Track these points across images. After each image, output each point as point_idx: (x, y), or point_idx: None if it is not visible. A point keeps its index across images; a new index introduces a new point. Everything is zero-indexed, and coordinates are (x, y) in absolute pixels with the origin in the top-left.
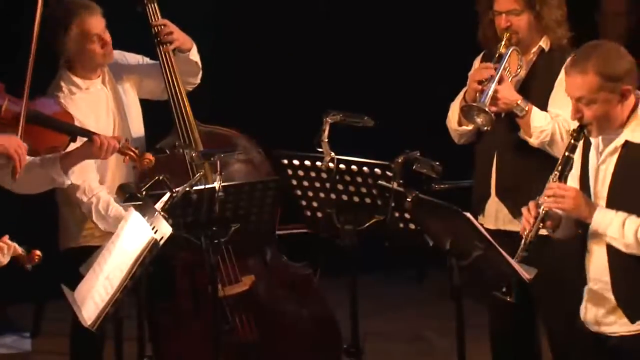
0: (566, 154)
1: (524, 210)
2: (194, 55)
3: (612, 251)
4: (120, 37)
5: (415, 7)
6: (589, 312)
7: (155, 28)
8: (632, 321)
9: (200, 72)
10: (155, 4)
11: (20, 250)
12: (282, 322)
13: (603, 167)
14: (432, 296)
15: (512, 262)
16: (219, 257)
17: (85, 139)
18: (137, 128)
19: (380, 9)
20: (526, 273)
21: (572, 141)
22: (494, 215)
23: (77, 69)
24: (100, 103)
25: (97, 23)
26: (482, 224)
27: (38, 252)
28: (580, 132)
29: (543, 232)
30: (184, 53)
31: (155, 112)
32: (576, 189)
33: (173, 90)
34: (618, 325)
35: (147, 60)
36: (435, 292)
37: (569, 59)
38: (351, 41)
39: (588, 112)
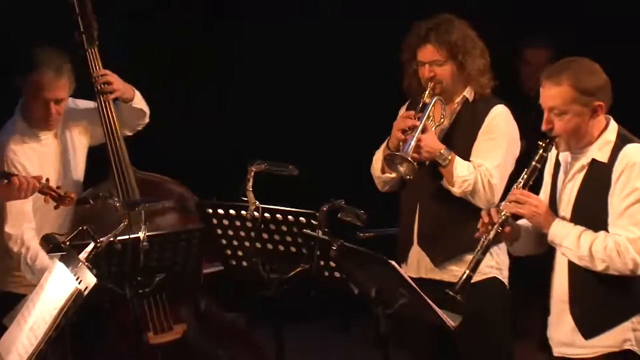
0: (533, 163)
1: (483, 213)
2: (137, 103)
3: (572, 267)
4: None
5: (341, 55)
6: (553, 335)
7: (95, 77)
8: (586, 337)
9: (148, 113)
10: (95, 49)
11: None
12: None
13: (570, 185)
14: (357, 344)
15: (437, 309)
16: (153, 305)
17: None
18: (79, 174)
19: (305, 57)
20: (451, 320)
21: (541, 152)
22: (416, 264)
23: (31, 117)
24: (50, 155)
25: (52, 88)
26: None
27: None
28: (549, 145)
29: (481, 276)
30: (127, 102)
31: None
32: (538, 198)
33: (111, 137)
34: (578, 347)
35: None
36: (361, 340)
37: (544, 70)
38: (275, 88)
39: (559, 124)
